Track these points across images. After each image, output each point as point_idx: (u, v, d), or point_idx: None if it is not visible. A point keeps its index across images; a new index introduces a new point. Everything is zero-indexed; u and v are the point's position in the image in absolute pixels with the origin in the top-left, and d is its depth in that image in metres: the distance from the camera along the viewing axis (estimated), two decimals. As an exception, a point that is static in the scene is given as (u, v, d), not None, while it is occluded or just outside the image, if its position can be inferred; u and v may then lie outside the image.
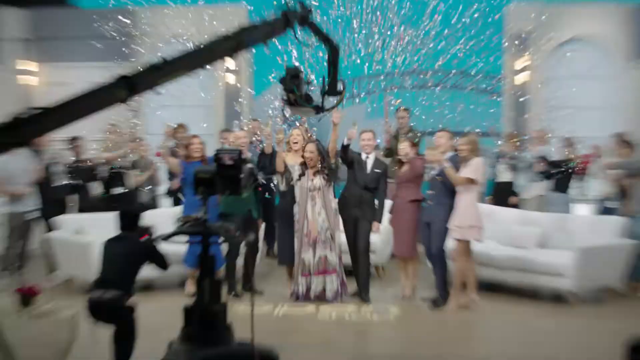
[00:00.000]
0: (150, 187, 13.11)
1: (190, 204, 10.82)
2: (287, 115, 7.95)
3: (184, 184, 11.50)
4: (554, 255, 11.11)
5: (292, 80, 7.48)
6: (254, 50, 14.19)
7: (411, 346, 9.24)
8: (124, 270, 7.73)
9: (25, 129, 5.43)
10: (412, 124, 13.88)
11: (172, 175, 13.07)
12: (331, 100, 7.81)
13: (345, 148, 10.94)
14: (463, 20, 14.59)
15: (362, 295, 11.02)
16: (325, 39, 7.74)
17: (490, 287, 11.54)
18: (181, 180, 11.81)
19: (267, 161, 11.63)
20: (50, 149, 12.17)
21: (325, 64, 7.80)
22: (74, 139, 12.67)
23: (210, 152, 11.74)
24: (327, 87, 7.74)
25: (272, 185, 12.32)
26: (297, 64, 8.04)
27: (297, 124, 12.43)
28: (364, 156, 11.16)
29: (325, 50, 7.76)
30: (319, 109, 7.68)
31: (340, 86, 7.76)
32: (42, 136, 5.83)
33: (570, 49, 15.41)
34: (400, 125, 13.70)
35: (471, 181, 10.31)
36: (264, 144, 11.89)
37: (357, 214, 11.01)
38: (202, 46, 6.73)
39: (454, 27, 14.75)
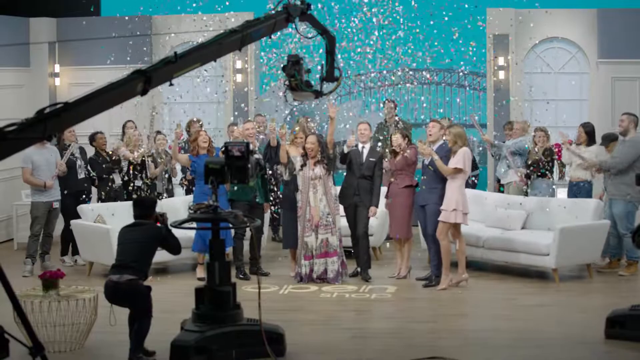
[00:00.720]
0: (166, 177, 12.84)
1: (200, 192, 10.74)
2: (289, 100, 7.85)
3: (194, 175, 11.42)
4: (537, 235, 10.95)
5: (293, 66, 7.48)
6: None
7: (407, 322, 9.13)
8: (140, 255, 7.57)
9: (48, 122, 5.30)
10: (399, 115, 13.55)
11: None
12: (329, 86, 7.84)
13: (344, 155, 10.94)
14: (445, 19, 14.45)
15: (363, 275, 10.89)
16: (323, 30, 7.76)
17: (479, 267, 11.40)
18: (191, 172, 11.72)
19: (272, 153, 11.47)
20: (73, 143, 11.90)
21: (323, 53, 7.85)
22: (96, 134, 12.41)
23: (218, 144, 11.58)
24: (325, 74, 7.73)
25: (276, 174, 12.15)
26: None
27: (303, 118, 12.23)
28: (360, 146, 11.02)
29: (324, 40, 7.75)
30: (318, 93, 7.69)
31: (337, 73, 7.75)
32: (65, 129, 5.68)
33: (546, 48, 15.35)
34: (387, 115, 13.44)
35: (458, 170, 10.21)
36: (270, 138, 11.70)
37: (356, 201, 10.91)
38: (211, 40, 6.68)
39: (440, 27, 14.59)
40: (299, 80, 7.45)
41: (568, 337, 8.33)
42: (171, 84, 6.36)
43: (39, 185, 11.36)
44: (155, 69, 6.09)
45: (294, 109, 14.23)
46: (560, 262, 10.60)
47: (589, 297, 10.06)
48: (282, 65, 7.58)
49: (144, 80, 5.93)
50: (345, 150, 10.92)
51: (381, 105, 14.08)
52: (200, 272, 10.88)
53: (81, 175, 12.07)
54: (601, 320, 8.32)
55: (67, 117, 5.47)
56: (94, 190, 12.44)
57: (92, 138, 12.44)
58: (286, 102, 7.17)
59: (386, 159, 10.95)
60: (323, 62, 7.72)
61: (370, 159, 10.89)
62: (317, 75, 7.77)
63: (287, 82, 7.54)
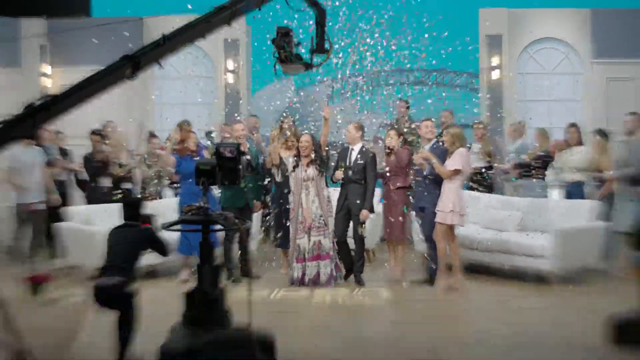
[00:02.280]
0: (156, 180, 12.71)
1: (186, 192, 10.77)
2: (279, 72, 7.76)
3: (179, 176, 11.41)
4: (533, 237, 10.86)
5: (282, 38, 7.41)
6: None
7: (401, 327, 9.00)
8: (127, 257, 7.49)
9: (38, 115, 5.31)
10: (410, 114, 13.40)
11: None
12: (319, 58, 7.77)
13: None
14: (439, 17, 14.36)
15: (357, 279, 10.76)
16: (313, 2, 7.70)
17: (475, 269, 11.28)
18: (176, 172, 11.61)
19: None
20: (51, 145, 11.80)
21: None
22: (94, 133, 12.25)
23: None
24: (315, 46, 7.68)
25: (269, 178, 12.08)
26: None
27: (285, 118, 12.08)
28: (349, 148, 10.87)
29: (313, 12, 7.70)
30: (308, 66, 7.66)
31: (327, 45, 7.70)
32: (55, 120, 5.56)
33: (539, 48, 15.33)
34: (399, 116, 13.29)
35: (457, 171, 10.14)
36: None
37: (349, 206, 10.73)
38: (199, 19, 6.63)
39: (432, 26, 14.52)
40: (289, 52, 7.37)
41: (564, 340, 8.22)
42: (160, 67, 6.34)
43: (21, 187, 11.22)
44: (143, 53, 6.08)
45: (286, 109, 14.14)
46: (556, 264, 10.52)
47: (585, 300, 9.96)
48: (272, 39, 7.49)
49: (132, 65, 5.93)
50: (334, 180, 10.81)
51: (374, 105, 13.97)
52: (184, 274, 10.88)
53: (61, 177, 11.98)
54: (598, 322, 8.23)
55: (56, 109, 5.43)
56: (82, 192, 12.34)
57: (92, 137, 12.29)
58: (275, 75, 7.04)
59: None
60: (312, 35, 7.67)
61: (359, 162, 10.70)
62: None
63: (276, 54, 7.46)
